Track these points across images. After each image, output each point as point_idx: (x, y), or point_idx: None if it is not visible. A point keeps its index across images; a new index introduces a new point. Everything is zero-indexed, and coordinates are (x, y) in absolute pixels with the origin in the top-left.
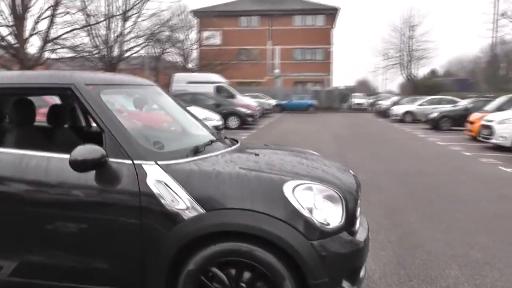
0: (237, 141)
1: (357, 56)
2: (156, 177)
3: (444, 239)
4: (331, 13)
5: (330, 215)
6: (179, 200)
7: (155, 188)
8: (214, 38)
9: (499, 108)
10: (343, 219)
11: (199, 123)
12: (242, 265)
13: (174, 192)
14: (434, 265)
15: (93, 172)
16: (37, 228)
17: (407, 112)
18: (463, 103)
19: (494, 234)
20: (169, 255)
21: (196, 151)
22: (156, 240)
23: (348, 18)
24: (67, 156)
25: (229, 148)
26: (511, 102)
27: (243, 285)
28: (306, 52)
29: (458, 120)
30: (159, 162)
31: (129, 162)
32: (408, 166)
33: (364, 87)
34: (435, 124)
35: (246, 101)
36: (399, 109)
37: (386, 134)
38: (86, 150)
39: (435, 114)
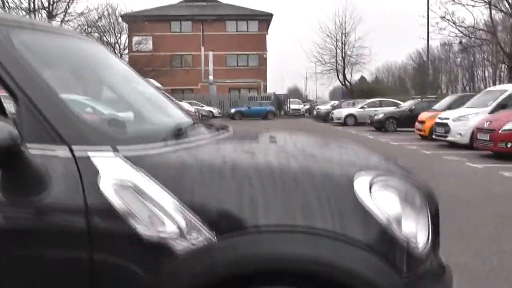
0: (225, 127)
1: (290, 62)
2: (117, 175)
3: (468, 248)
4: (264, 19)
5: (416, 228)
6: (164, 218)
7: (116, 198)
8: (146, 43)
9: (449, 107)
10: (430, 234)
11: (166, 99)
12: None
13: (155, 202)
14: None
15: None
16: None
17: (349, 115)
18: (407, 104)
19: None
20: None
21: (179, 133)
22: None
23: (281, 24)
24: None
25: (225, 134)
26: (460, 100)
27: None
28: (240, 58)
29: (404, 121)
30: (120, 148)
31: (64, 150)
32: None
33: (295, 94)
34: (381, 126)
35: (184, 107)
36: (340, 113)
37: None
38: None
39: (380, 116)
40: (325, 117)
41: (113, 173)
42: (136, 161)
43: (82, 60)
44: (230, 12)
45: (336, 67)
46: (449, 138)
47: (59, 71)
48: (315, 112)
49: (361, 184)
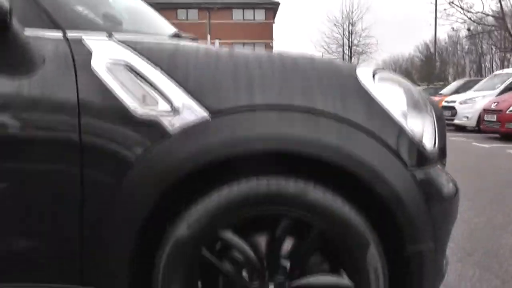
0: None
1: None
2: (110, 55)
3: (473, 207)
4: (271, 8)
5: (423, 128)
6: (157, 96)
7: (108, 76)
8: None
9: (456, 91)
10: (437, 141)
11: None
12: (281, 225)
13: (148, 81)
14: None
15: None
16: None
17: None
18: None
19: None
20: (139, 214)
21: (175, 35)
22: (112, 185)
23: (287, 13)
24: None
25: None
26: (467, 85)
27: (284, 261)
28: (246, 47)
29: None
30: (116, 35)
31: (57, 34)
32: None
33: None
34: None
35: None
36: None
37: None
38: None
39: None
40: None
41: (107, 53)
42: (130, 44)
43: None
44: (237, 0)
45: (343, 56)
46: (456, 121)
47: None
48: None
49: (364, 72)
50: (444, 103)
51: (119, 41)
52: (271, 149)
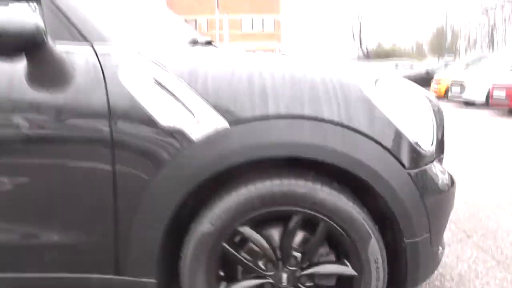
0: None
1: (305, 28)
2: (136, 69)
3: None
4: None
5: (420, 131)
6: (180, 108)
7: (135, 89)
8: None
9: (466, 67)
10: (434, 140)
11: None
12: (293, 220)
13: (173, 93)
14: None
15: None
16: None
17: None
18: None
19: None
20: (168, 211)
21: (194, 42)
22: (141, 187)
23: None
24: None
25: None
26: (478, 61)
27: (295, 252)
28: (255, 22)
29: (420, 82)
30: (141, 50)
31: (86, 47)
32: None
33: None
34: None
35: None
36: None
37: None
38: (7, 15)
39: None
40: None
41: (133, 67)
42: (153, 59)
43: None
44: None
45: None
46: (465, 97)
47: None
48: None
49: (366, 81)
50: (453, 79)
51: (144, 54)
52: (283, 154)
